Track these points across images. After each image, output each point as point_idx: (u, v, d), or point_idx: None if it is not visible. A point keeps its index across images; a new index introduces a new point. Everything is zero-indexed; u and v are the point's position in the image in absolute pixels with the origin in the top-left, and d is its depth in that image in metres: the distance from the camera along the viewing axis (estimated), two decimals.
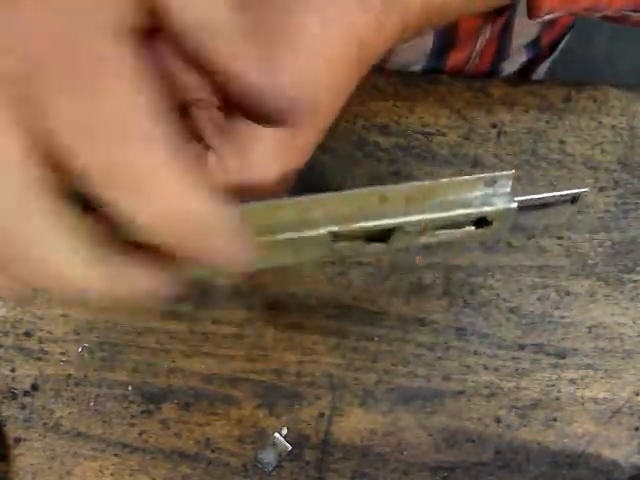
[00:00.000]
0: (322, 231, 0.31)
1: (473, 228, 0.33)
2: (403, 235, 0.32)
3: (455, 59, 0.56)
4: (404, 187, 0.31)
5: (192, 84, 0.34)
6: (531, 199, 0.32)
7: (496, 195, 0.32)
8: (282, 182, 0.35)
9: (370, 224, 0.31)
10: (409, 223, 0.31)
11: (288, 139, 0.34)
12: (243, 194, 0.35)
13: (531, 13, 0.41)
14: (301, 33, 0.33)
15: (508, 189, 0.32)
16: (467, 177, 0.32)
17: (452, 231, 0.32)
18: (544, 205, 0.33)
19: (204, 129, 0.35)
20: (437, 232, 0.32)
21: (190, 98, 0.34)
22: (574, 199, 0.33)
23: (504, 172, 0.32)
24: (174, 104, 0.34)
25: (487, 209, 0.32)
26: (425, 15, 0.36)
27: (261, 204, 0.31)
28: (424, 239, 0.32)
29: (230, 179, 0.34)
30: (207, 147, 0.34)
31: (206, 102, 0.34)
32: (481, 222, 0.32)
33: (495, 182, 0.32)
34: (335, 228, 0.31)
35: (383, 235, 0.32)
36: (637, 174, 0.47)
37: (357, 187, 0.44)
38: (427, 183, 0.31)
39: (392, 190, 0.31)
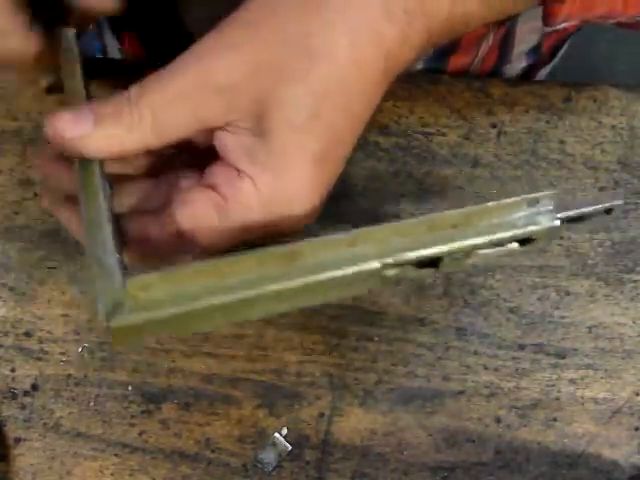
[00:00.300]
0: (374, 264, 0.31)
1: (517, 245, 0.33)
2: (452, 259, 0.32)
3: (456, 63, 0.56)
4: (451, 214, 0.32)
5: (220, 109, 0.33)
6: (573, 214, 0.33)
7: (540, 213, 0.32)
8: (314, 211, 0.34)
9: (420, 254, 0.31)
10: (458, 249, 0.32)
11: (321, 154, 0.34)
12: (279, 224, 0.34)
13: (547, 21, 0.41)
14: (331, 38, 0.33)
15: (551, 207, 0.33)
16: (511, 199, 0.32)
17: (498, 249, 0.33)
18: (582, 218, 0.33)
19: (234, 153, 0.34)
20: (483, 252, 0.33)
21: (219, 122, 0.33)
22: (609, 210, 0.34)
23: (547, 192, 0.32)
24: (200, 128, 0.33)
25: (532, 229, 0.32)
26: (449, 24, 0.36)
27: (310, 242, 0.31)
28: (471, 260, 0.33)
29: (264, 202, 0.33)
30: (238, 171, 0.33)
31: (235, 126, 0.33)
32: (525, 240, 0.33)
33: (538, 201, 0.32)
34: (388, 260, 0.31)
35: (433, 261, 0.32)
36: (637, 174, 0.47)
37: (356, 187, 0.44)
38: (473, 208, 0.32)
39: (439, 218, 0.32)
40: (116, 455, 0.43)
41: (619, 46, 1.41)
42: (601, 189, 0.47)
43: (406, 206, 0.46)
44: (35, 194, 0.48)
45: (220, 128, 0.34)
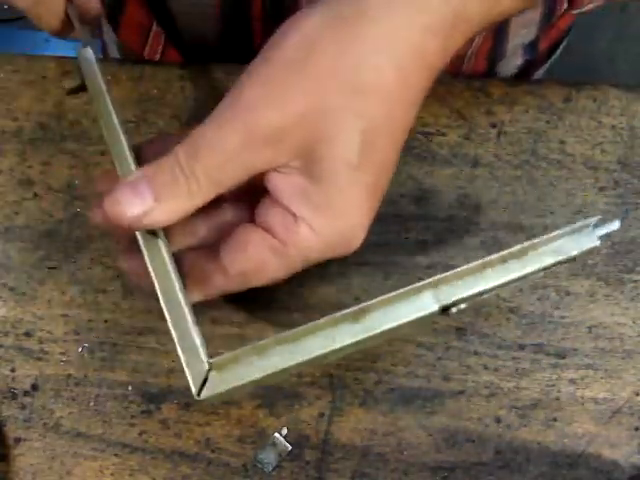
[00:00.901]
0: (433, 309, 0.34)
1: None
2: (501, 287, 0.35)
3: None
4: (502, 253, 0.34)
5: (270, 157, 0.33)
6: (612, 231, 0.35)
7: (581, 236, 0.34)
8: (365, 234, 0.35)
9: (474, 291, 0.34)
10: (508, 282, 0.34)
11: (373, 185, 0.34)
12: (336, 254, 0.35)
13: (573, 4, 0.40)
14: (379, 67, 0.32)
15: (592, 229, 0.34)
16: (558, 232, 0.34)
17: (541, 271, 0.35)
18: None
19: (286, 194, 0.33)
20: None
21: (269, 167, 0.33)
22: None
23: (591, 219, 0.34)
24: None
25: (575, 253, 0.34)
26: (482, 24, 0.35)
27: (378, 300, 0.33)
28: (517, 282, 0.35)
29: (323, 243, 0.34)
30: (293, 214, 0.33)
31: (285, 167, 0.33)
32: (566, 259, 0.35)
33: (582, 227, 0.34)
34: (446, 302, 0.34)
35: (485, 292, 0.35)
36: (637, 174, 0.47)
37: None
38: (523, 245, 0.34)
39: (493, 258, 0.34)
40: (116, 455, 0.43)
41: (619, 45, 1.41)
42: (601, 189, 0.47)
43: (406, 206, 0.46)
44: (35, 194, 0.48)
45: (272, 169, 0.33)
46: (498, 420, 0.43)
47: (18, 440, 0.43)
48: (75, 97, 0.49)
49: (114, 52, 0.68)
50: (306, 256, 0.34)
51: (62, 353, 0.44)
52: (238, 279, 0.35)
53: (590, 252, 0.35)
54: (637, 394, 0.43)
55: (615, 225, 0.35)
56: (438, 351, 0.44)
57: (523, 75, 0.64)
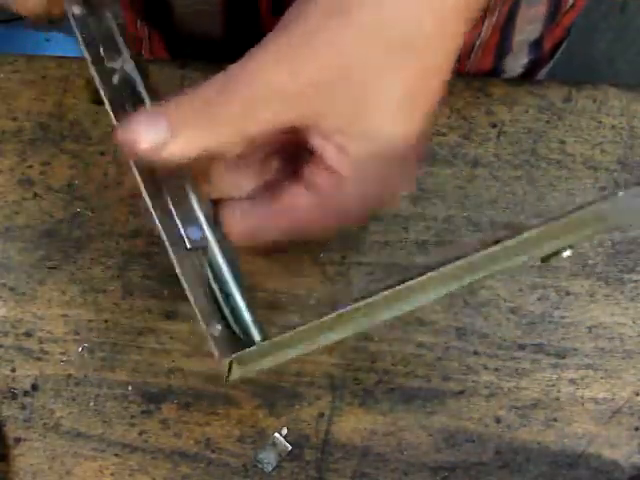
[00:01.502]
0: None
1: None
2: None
3: None
4: (551, 225, 0.33)
5: (314, 108, 0.32)
6: None
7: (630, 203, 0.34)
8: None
9: (520, 260, 0.33)
10: (556, 249, 0.33)
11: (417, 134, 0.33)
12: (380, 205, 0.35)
13: None
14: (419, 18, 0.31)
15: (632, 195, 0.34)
16: (607, 201, 0.33)
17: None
18: None
19: (329, 154, 0.33)
20: None
21: (312, 122, 0.32)
22: None
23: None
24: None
25: (628, 220, 0.34)
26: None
27: (427, 277, 0.32)
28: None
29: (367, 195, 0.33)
30: (341, 175, 0.33)
31: (327, 125, 0.32)
32: None
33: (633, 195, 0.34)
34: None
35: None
36: (637, 174, 0.47)
37: None
38: (573, 216, 0.33)
39: (539, 231, 0.33)
40: (116, 455, 0.43)
41: (619, 45, 1.41)
42: (601, 189, 0.47)
43: (406, 206, 0.46)
44: (35, 194, 0.48)
45: (313, 128, 0.32)
46: (498, 420, 0.43)
47: (18, 440, 0.43)
48: (75, 97, 0.50)
49: None
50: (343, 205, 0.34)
51: (62, 353, 0.44)
52: (285, 233, 0.35)
53: None
54: (637, 394, 0.43)
55: None
56: (438, 351, 0.44)
57: (528, 75, 0.64)
